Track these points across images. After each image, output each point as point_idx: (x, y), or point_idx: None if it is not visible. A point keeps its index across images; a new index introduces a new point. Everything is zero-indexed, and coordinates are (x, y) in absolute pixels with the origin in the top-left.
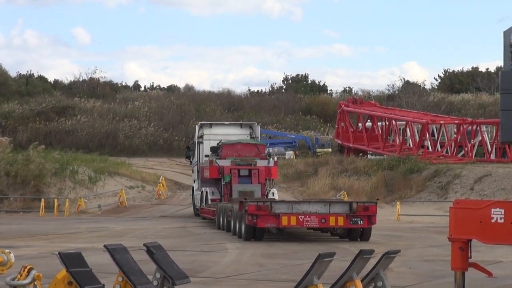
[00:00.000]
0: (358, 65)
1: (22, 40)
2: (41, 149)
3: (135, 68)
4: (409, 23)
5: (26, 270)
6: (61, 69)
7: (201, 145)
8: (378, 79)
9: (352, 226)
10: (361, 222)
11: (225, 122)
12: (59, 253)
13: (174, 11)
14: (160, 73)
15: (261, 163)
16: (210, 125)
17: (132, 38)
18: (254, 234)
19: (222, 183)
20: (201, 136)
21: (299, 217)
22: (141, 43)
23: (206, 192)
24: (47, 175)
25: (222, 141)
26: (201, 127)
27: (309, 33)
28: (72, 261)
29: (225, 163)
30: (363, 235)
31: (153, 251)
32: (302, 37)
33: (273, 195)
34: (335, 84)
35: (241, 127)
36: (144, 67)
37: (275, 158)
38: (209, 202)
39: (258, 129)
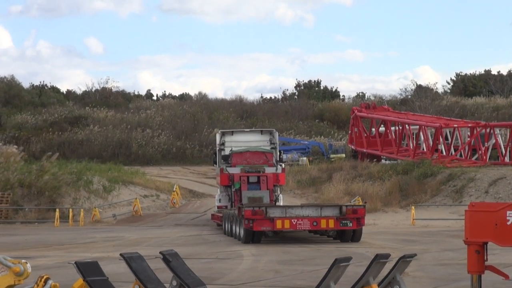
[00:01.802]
0: (371, 70)
1: (35, 51)
2: (55, 159)
3: (148, 77)
4: (422, 27)
5: (43, 280)
6: (74, 79)
7: (222, 152)
8: (391, 83)
9: (342, 228)
10: (351, 224)
11: (246, 130)
12: (75, 262)
13: (187, 20)
14: (173, 82)
15: (269, 170)
16: (232, 133)
17: (144, 47)
18: (253, 238)
19: (233, 189)
20: (222, 144)
21: (292, 220)
22: (154, 52)
23: (220, 199)
24: (62, 186)
25: (232, 149)
26: (222, 134)
27: (322, 39)
28: (89, 270)
29: (235, 170)
30: (354, 236)
31: (169, 259)
32: (315, 43)
33: (278, 201)
34: (348, 89)
35: (262, 134)
36: (157, 76)
37: (283, 165)
38: (216, 209)
39: (277, 136)
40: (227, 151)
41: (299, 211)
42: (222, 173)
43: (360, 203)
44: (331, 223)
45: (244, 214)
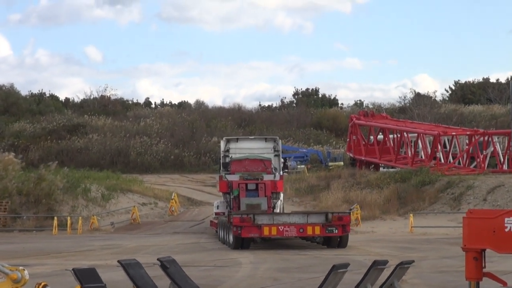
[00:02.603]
0: (370, 78)
1: (34, 60)
2: (54, 167)
3: (147, 85)
4: (420, 35)
5: (40, 286)
6: (73, 88)
7: (227, 159)
8: (390, 92)
9: (328, 235)
10: (336, 231)
11: (250, 137)
12: (73, 269)
13: (186, 28)
14: (172, 90)
15: (267, 177)
16: (237, 140)
17: (143, 56)
18: (242, 244)
19: (231, 196)
20: (227, 151)
21: (279, 227)
22: (153, 60)
23: (218, 206)
24: (57, 192)
25: (231, 157)
26: (227, 141)
27: (320, 47)
28: (86, 277)
29: (233, 178)
30: (341, 242)
31: (167, 265)
32: (314, 52)
33: (276, 208)
34: (347, 97)
35: (266, 141)
36: (156, 84)
37: (282, 173)
38: (214, 215)
39: (280, 144)
40: (234, 157)
41: (286, 218)
42: (221, 180)
43: (359, 211)
44: (317, 230)
45: (233, 221)
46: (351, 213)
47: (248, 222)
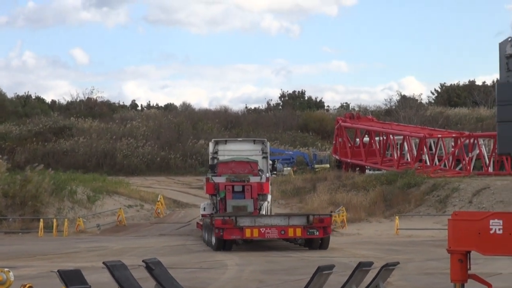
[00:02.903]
0: (357, 81)
1: (21, 62)
2: (40, 170)
3: (134, 87)
4: (407, 38)
5: None
6: (59, 90)
7: (215, 160)
8: (376, 94)
9: (309, 237)
10: (317, 232)
11: (239, 139)
12: (58, 271)
13: (172, 31)
14: (158, 92)
15: (254, 179)
16: (225, 142)
17: (130, 58)
18: (224, 246)
19: (218, 198)
20: (215, 152)
21: (261, 229)
22: (139, 63)
23: (204, 207)
24: (44, 194)
25: (219, 159)
26: (216, 143)
27: (307, 50)
28: (72, 278)
29: (220, 179)
30: (322, 244)
31: (152, 267)
32: (300, 54)
33: (262, 209)
34: (334, 100)
35: (254, 143)
36: (142, 86)
37: (267, 175)
38: (200, 217)
39: (268, 146)
40: (220, 160)
41: (268, 220)
42: (208, 182)
43: (344, 214)
44: (298, 232)
45: (215, 223)
46: (338, 215)
47: (230, 224)
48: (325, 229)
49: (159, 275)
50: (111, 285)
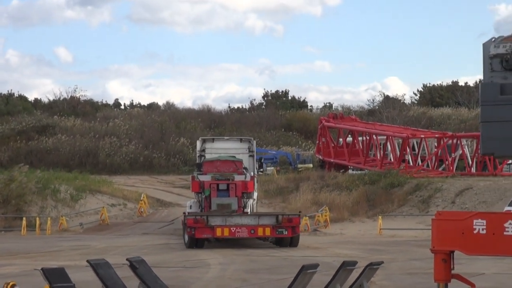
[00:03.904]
0: (340, 81)
1: (4, 60)
2: (25, 170)
3: (117, 86)
4: (390, 38)
5: (9, 286)
6: (43, 88)
7: (202, 158)
8: (360, 94)
9: (278, 236)
10: (286, 232)
11: (226, 137)
12: (42, 269)
13: (157, 30)
14: (142, 91)
15: (238, 178)
16: (213, 140)
17: (114, 57)
18: (196, 243)
19: (203, 196)
20: (203, 150)
21: (231, 228)
22: (123, 62)
23: (190, 205)
24: (29, 194)
25: (206, 157)
26: (203, 141)
27: (291, 50)
28: (55, 276)
29: (205, 178)
30: (292, 242)
31: (136, 265)
32: (284, 54)
33: (247, 207)
34: (317, 100)
35: (241, 142)
36: (125, 85)
37: (252, 173)
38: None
39: (255, 144)
40: (207, 157)
41: (238, 219)
42: (193, 181)
43: (327, 213)
44: (268, 231)
45: (187, 223)
46: (321, 215)
47: (201, 223)
48: (294, 228)
49: (143, 274)
50: (95, 283)
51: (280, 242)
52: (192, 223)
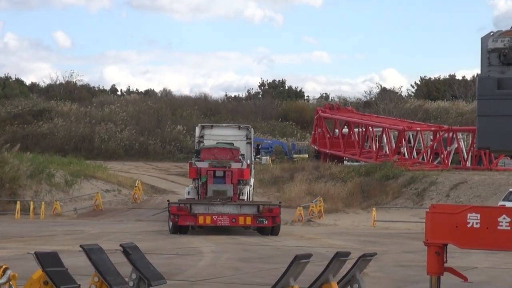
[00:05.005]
0: (338, 72)
1: (2, 43)
2: (15, 150)
3: (114, 72)
4: (389, 30)
5: (1, 269)
6: (40, 73)
7: (201, 144)
8: (357, 86)
9: (258, 225)
10: (266, 221)
11: (224, 124)
12: (35, 253)
13: (156, 16)
14: (139, 78)
15: (235, 165)
16: (211, 126)
17: (112, 43)
18: (180, 229)
19: (200, 182)
20: (201, 136)
21: (213, 217)
22: (121, 48)
23: (188, 191)
24: (22, 177)
25: (203, 145)
26: (202, 128)
27: (290, 40)
28: (48, 260)
29: (203, 165)
30: (273, 231)
31: (129, 251)
32: (283, 44)
33: (243, 195)
34: (315, 91)
35: (239, 129)
36: (123, 71)
37: (248, 161)
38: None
39: (252, 132)
40: (206, 143)
41: (221, 208)
42: (191, 167)
43: (322, 204)
44: (248, 220)
45: (170, 210)
46: (315, 205)
47: (184, 211)
48: (274, 218)
49: (136, 260)
50: (88, 269)
51: (261, 231)
52: (176, 210)
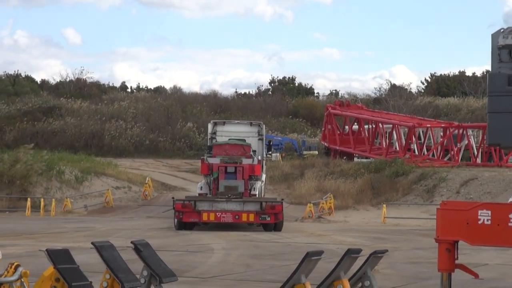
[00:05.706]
0: (348, 69)
1: (13, 41)
2: (30, 148)
3: (125, 69)
4: (399, 26)
5: (13, 267)
6: (50, 70)
7: (213, 141)
8: (367, 82)
9: (261, 222)
10: (269, 218)
11: (236, 121)
12: (46, 250)
13: (166, 13)
14: (149, 75)
15: (246, 161)
16: (223, 123)
17: (122, 40)
18: (185, 226)
19: (211, 178)
20: (214, 133)
21: (217, 213)
22: (132, 45)
23: (201, 187)
24: (34, 175)
25: (215, 141)
26: (214, 124)
27: (300, 37)
28: (60, 257)
29: (215, 160)
30: (276, 227)
31: (140, 248)
32: (293, 40)
33: (254, 190)
34: (325, 87)
35: (251, 126)
36: (133, 68)
37: (260, 157)
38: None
39: (264, 128)
40: (218, 140)
41: (224, 205)
42: (203, 163)
43: (332, 201)
44: (251, 217)
45: (175, 207)
46: (325, 202)
47: (189, 208)
48: (276, 215)
49: (147, 257)
50: (99, 266)
51: (265, 227)
52: (180, 207)
